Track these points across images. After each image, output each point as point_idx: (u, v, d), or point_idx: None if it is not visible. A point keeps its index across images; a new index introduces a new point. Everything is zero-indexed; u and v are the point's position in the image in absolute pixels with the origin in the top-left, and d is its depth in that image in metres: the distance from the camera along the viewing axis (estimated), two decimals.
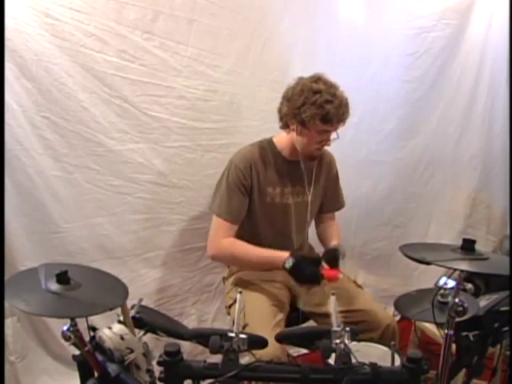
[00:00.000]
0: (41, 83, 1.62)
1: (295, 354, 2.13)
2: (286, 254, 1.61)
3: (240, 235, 1.72)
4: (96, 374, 1.09)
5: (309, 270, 1.59)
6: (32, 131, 1.65)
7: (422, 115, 2.65)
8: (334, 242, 1.80)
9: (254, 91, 2.09)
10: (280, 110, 1.68)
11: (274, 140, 1.77)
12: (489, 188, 2.91)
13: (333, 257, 1.65)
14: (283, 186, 1.75)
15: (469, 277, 1.18)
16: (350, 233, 2.63)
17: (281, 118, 1.69)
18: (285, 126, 1.69)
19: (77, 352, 1.09)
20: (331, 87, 1.59)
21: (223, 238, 1.68)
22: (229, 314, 1.80)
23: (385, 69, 2.45)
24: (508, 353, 1.70)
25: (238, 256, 1.71)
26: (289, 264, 1.58)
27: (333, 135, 1.65)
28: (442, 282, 1.27)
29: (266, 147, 1.75)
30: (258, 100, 2.10)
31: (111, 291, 1.12)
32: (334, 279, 1.59)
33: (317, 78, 1.61)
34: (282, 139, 1.75)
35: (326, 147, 1.72)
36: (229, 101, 2.02)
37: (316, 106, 1.55)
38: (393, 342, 1.22)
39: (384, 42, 2.40)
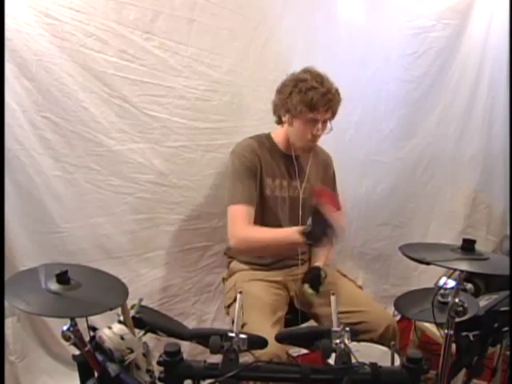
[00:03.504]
0: (41, 83, 1.62)
1: (295, 354, 2.12)
2: (297, 228, 1.58)
3: None
4: (96, 374, 1.09)
5: (323, 227, 1.53)
6: (32, 131, 1.65)
7: (421, 115, 2.65)
8: (318, 263, 1.79)
9: (254, 91, 2.09)
10: (273, 103, 1.74)
11: (272, 135, 1.80)
12: (489, 188, 2.91)
13: (314, 277, 1.67)
14: (281, 179, 1.77)
15: (469, 277, 1.18)
16: (350, 233, 2.62)
17: (274, 112, 1.74)
18: (278, 119, 1.73)
19: (77, 352, 1.09)
20: (317, 76, 1.63)
21: (242, 223, 1.65)
22: (228, 314, 1.80)
23: (385, 69, 2.45)
24: (508, 353, 1.70)
25: (257, 239, 1.67)
26: (306, 231, 1.54)
27: (328, 126, 1.67)
28: (441, 282, 1.27)
29: (265, 141, 1.78)
30: (258, 100, 2.10)
31: (111, 291, 1.12)
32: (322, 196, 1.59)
33: (306, 70, 1.67)
34: (279, 133, 1.78)
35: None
36: (229, 101, 2.02)
37: (301, 94, 1.60)
38: (393, 342, 1.21)
39: (384, 41, 2.40)
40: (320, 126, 1.65)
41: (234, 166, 1.70)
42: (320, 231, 1.53)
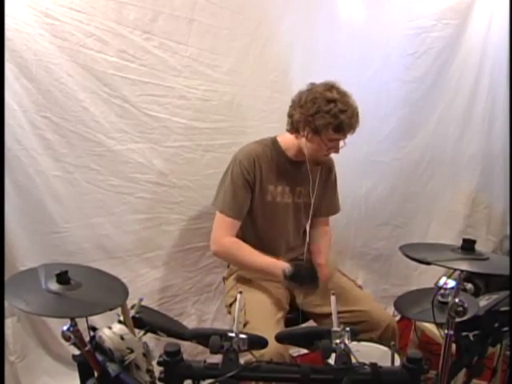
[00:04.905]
0: (41, 83, 1.62)
1: (295, 354, 2.13)
2: (285, 263, 1.62)
3: (239, 231, 1.72)
4: (96, 374, 1.09)
5: (307, 274, 1.61)
6: (32, 131, 1.65)
7: (422, 115, 2.65)
8: (320, 260, 1.80)
9: (254, 91, 2.08)
10: (291, 116, 1.68)
11: (279, 139, 1.77)
12: (489, 188, 2.91)
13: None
14: (284, 185, 1.76)
15: (469, 277, 1.18)
16: (350, 233, 2.63)
17: (291, 123, 1.69)
18: (295, 131, 1.68)
19: (77, 352, 1.09)
20: (344, 96, 1.60)
21: (226, 234, 1.69)
22: (229, 312, 1.80)
23: (385, 69, 2.45)
24: (508, 353, 1.70)
25: (238, 258, 1.72)
26: (289, 271, 1.59)
27: (341, 143, 1.66)
28: (441, 282, 1.27)
29: (270, 146, 1.75)
30: (257, 100, 2.10)
31: (111, 291, 1.12)
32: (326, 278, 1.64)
33: (330, 86, 1.61)
34: (287, 139, 1.74)
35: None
36: (229, 101, 2.02)
37: (330, 115, 1.56)
38: (393, 342, 1.21)
39: (384, 41, 2.40)
40: (340, 143, 1.66)
41: (233, 173, 1.69)
42: (300, 279, 1.60)
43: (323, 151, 1.67)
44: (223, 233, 1.70)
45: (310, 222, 1.85)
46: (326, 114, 1.57)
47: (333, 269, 1.71)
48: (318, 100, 1.58)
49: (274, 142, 1.77)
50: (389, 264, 2.79)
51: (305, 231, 1.93)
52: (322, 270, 1.64)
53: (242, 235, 1.73)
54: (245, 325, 1.52)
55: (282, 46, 2.10)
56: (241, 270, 1.81)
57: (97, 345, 1.11)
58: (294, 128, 1.68)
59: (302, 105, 1.63)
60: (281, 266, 1.62)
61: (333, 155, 1.89)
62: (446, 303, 1.18)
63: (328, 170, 1.88)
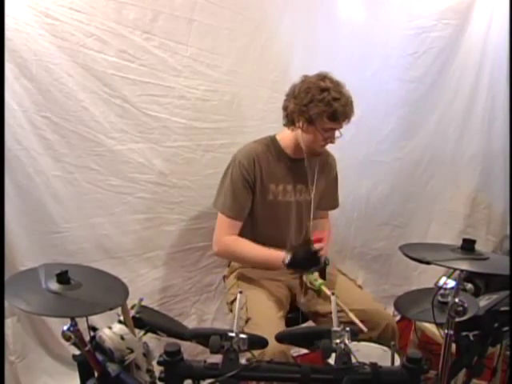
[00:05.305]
0: (41, 83, 1.62)
1: (295, 354, 2.13)
2: (283, 253, 1.63)
3: (240, 231, 1.72)
4: (96, 374, 1.09)
5: (305, 255, 1.62)
6: (32, 131, 1.65)
7: (421, 115, 2.65)
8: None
9: (254, 91, 2.09)
10: (286, 108, 1.69)
11: (278, 138, 1.77)
12: (489, 188, 2.91)
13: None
14: (286, 184, 1.76)
15: (469, 277, 1.19)
16: (350, 233, 2.63)
17: (286, 116, 1.70)
18: (290, 123, 1.69)
19: (77, 352, 1.09)
20: (338, 85, 1.61)
21: (227, 234, 1.70)
22: (231, 310, 1.81)
23: (385, 69, 2.45)
24: (508, 353, 1.70)
25: (239, 254, 1.72)
26: (288, 258, 1.60)
27: (336, 133, 1.66)
28: (441, 282, 1.27)
29: (270, 144, 1.76)
30: (258, 100, 2.10)
31: (111, 291, 1.12)
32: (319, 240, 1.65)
33: (323, 77, 1.63)
34: (286, 137, 1.75)
35: (329, 147, 1.73)
36: (229, 101, 2.02)
37: (324, 104, 1.57)
38: (393, 342, 1.21)
39: (384, 41, 2.40)
40: (336, 133, 1.66)
41: (232, 174, 1.70)
42: (301, 263, 1.62)
43: (319, 141, 1.66)
44: (224, 233, 1.70)
45: (307, 219, 1.85)
46: (319, 102, 1.57)
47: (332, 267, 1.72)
48: (312, 90, 1.59)
49: (273, 140, 1.77)
50: (389, 264, 2.79)
51: (307, 228, 1.93)
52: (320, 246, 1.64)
53: (244, 234, 1.73)
54: (247, 321, 1.53)
55: (281, 45, 2.10)
56: (243, 266, 1.81)
57: (97, 345, 1.11)
58: (289, 121, 1.69)
59: (296, 96, 1.63)
60: (280, 256, 1.62)
61: (333, 155, 1.90)
62: (446, 303, 1.19)
63: (330, 167, 1.88)
